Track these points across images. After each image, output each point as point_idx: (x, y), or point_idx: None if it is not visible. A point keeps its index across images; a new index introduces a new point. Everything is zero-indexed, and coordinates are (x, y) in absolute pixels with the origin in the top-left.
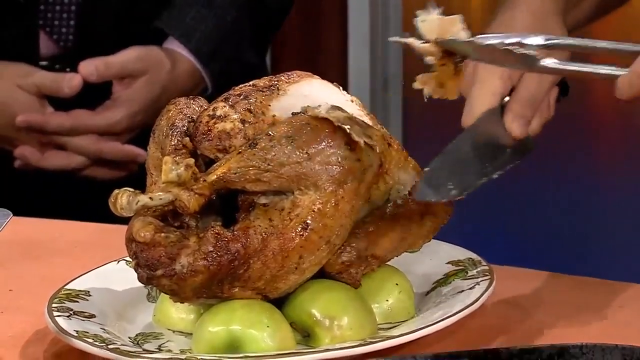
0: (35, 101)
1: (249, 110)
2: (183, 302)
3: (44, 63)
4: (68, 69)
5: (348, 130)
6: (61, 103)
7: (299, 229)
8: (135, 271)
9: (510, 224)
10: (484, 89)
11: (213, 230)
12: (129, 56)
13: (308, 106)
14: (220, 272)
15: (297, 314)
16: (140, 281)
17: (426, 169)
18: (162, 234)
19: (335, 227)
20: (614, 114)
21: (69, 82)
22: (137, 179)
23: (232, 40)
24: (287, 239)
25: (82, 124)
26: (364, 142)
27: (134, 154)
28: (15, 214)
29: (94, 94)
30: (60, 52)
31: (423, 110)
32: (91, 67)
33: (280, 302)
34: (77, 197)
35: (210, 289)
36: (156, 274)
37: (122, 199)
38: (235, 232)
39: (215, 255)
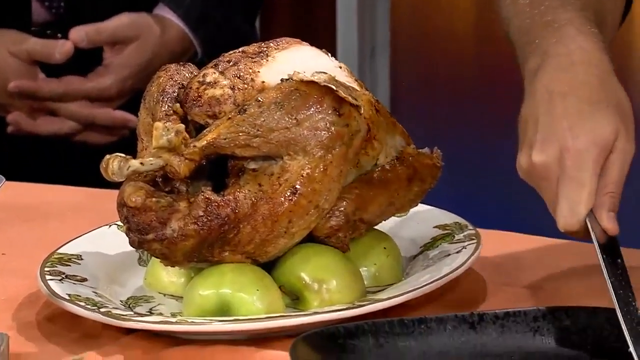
0: (27, 68)
1: (239, 77)
2: (174, 266)
3: (35, 29)
4: (59, 35)
5: (335, 88)
6: (53, 69)
7: (288, 193)
8: (127, 235)
9: (497, 189)
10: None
11: (203, 195)
12: (119, 22)
13: (296, 72)
14: (210, 236)
15: (286, 277)
16: (131, 245)
17: None
18: (153, 199)
19: (323, 192)
20: None
21: (61, 49)
22: (128, 143)
23: (221, 6)
24: (277, 204)
25: (73, 89)
26: (351, 103)
27: (125, 119)
28: (8, 178)
29: (86, 60)
30: (51, 18)
31: (410, 78)
32: (82, 33)
33: (269, 266)
34: (70, 162)
35: (201, 253)
36: (147, 238)
37: (114, 164)
38: (225, 197)
39: (205, 220)
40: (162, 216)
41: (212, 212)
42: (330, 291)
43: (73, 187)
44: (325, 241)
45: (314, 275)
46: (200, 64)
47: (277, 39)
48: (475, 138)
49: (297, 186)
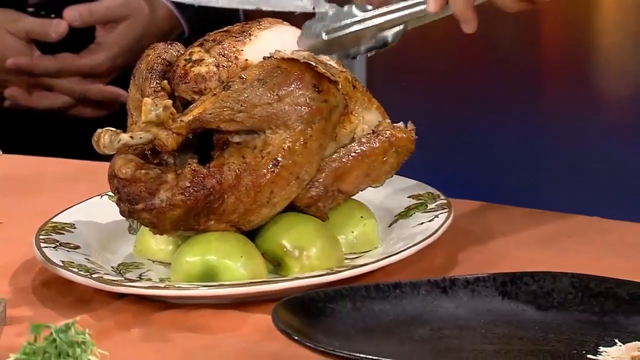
0: (24, 45)
1: (223, 55)
2: (162, 234)
3: (30, 9)
4: (53, 15)
5: (314, 65)
6: (48, 47)
7: (270, 165)
8: (117, 205)
9: (469, 161)
10: None
11: (190, 167)
12: (111, 3)
13: (277, 50)
14: (196, 206)
15: (268, 245)
16: (122, 215)
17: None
18: (142, 171)
19: (304, 164)
20: (558, 56)
21: (56, 28)
22: (119, 117)
23: None
24: (259, 175)
25: (67, 66)
26: (330, 79)
27: (116, 93)
28: (4, 151)
29: (79, 38)
30: (43, 0)
31: (386, 56)
32: (75, 13)
33: (253, 234)
34: (63, 135)
35: (188, 222)
36: (137, 208)
37: (104, 138)
38: (211, 169)
39: (192, 190)
40: (151, 187)
41: (199, 183)
42: (310, 258)
43: (66, 159)
44: (306, 210)
45: (295, 242)
46: (187, 43)
47: (260, 19)
48: (448, 113)
49: (279, 158)
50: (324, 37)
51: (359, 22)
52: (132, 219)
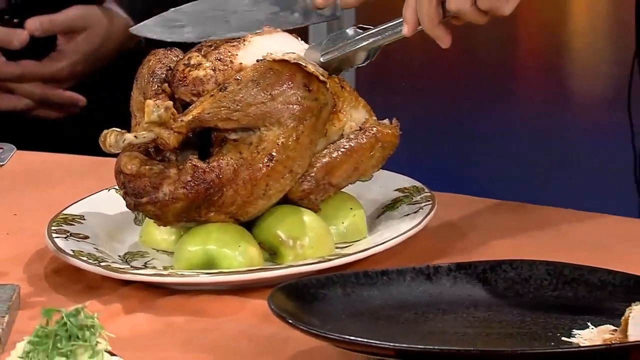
0: None
1: (219, 59)
2: (165, 225)
3: None
4: (16, 21)
5: (304, 65)
6: (12, 53)
7: (266, 160)
8: (124, 199)
9: (451, 155)
10: None
11: (191, 163)
12: (71, 14)
13: (269, 53)
14: (197, 199)
15: (264, 235)
16: (128, 207)
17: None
18: (147, 167)
19: (296, 158)
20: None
21: (18, 37)
22: (79, 118)
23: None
24: (255, 169)
25: (29, 72)
26: (319, 79)
27: (74, 98)
28: (19, 148)
29: (42, 47)
30: (7, 6)
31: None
32: (37, 23)
33: (250, 225)
34: (74, 133)
35: (189, 214)
36: (142, 201)
37: (111, 138)
38: (210, 164)
39: (193, 184)
40: (155, 182)
41: (199, 177)
42: (303, 247)
43: (75, 155)
44: (299, 203)
45: (289, 233)
46: (145, 52)
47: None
48: (431, 110)
49: (273, 153)
50: (321, 60)
51: (350, 44)
52: (137, 211)
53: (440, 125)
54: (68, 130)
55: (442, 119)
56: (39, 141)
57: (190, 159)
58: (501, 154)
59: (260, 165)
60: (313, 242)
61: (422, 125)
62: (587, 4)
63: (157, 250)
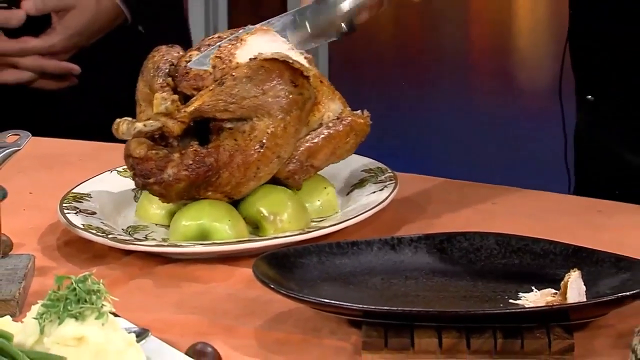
0: None
1: (219, 57)
2: (169, 203)
3: None
4: (10, 7)
5: (291, 61)
6: (12, 31)
7: (257, 146)
8: (133, 180)
9: (410, 141)
10: None
11: (192, 148)
12: None
13: (260, 52)
14: (197, 180)
15: (248, 211)
16: (136, 187)
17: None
18: (153, 151)
19: (284, 145)
20: (485, 53)
21: (16, 16)
22: (77, 88)
23: None
24: (248, 155)
25: (27, 47)
26: (303, 75)
27: (70, 68)
28: (33, 134)
29: (38, 24)
30: None
31: (344, 56)
32: (31, 4)
33: (235, 202)
34: (86, 119)
35: (190, 193)
36: (149, 182)
37: (123, 126)
38: (209, 150)
39: (194, 167)
40: (160, 164)
41: (199, 161)
42: (282, 221)
43: (84, 141)
44: (284, 182)
45: (270, 209)
46: (130, 28)
47: (245, 27)
48: (397, 101)
49: (264, 141)
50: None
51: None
52: (144, 190)
53: (403, 113)
54: (68, 102)
55: (404, 108)
56: (46, 117)
57: (191, 145)
58: (456, 138)
59: (252, 151)
60: (291, 217)
61: (387, 113)
62: (530, 6)
63: (156, 224)
